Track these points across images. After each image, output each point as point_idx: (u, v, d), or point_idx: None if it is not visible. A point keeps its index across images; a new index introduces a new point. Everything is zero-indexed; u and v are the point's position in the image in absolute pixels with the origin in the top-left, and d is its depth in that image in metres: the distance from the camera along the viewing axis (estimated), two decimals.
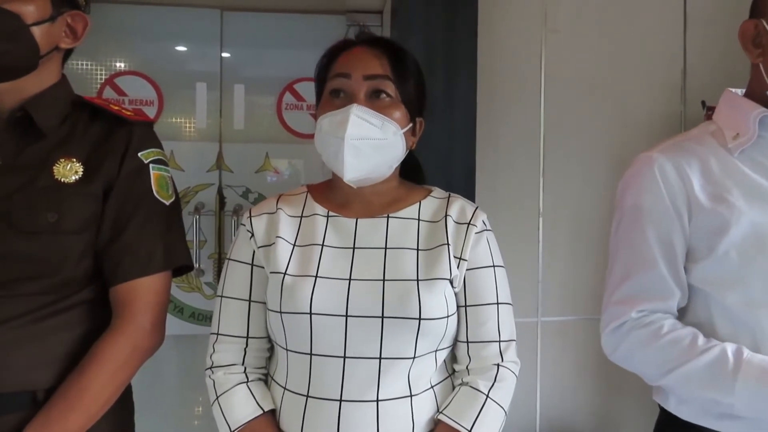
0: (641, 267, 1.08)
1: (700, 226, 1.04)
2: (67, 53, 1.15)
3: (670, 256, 1.07)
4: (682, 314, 1.10)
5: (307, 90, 2.43)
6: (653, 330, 1.05)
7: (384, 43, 1.12)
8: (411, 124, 1.11)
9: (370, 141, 1.04)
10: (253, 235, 1.10)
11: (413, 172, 1.21)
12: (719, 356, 0.99)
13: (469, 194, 1.91)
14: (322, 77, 1.13)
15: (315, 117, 1.13)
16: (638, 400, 2.28)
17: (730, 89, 1.14)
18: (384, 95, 1.06)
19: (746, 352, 0.98)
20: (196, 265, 2.34)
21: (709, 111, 2.14)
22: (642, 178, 1.09)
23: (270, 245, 1.08)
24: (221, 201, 2.39)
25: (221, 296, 1.12)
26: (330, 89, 1.08)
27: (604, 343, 1.14)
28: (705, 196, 1.04)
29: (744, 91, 1.12)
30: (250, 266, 1.10)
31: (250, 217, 1.12)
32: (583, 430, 2.32)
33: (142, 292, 1.08)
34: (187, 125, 2.42)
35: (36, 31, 1.03)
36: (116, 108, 1.14)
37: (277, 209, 1.12)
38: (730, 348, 0.99)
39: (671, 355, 1.03)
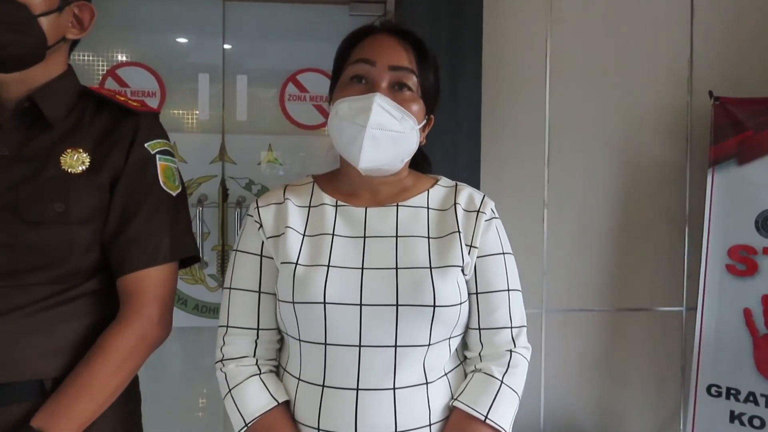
0: None
1: None
2: (74, 44, 1.14)
3: None
4: None
5: (311, 81, 2.41)
6: None
7: (408, 34, 1.10)
8: (425, 120, 1.10)
9: (389, 132, 1.03)
10: (261, 225, 1.09)
11: (420, 163, 1.20)
12: None
13: (474, 185, 1.90)
14: (341, 62, 1.11)
15: (329, 100, 1.12)
16: (642, 392, 2.29)
17: None
18: (406, 88, 1.06)
19: None
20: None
21: (716, 101, 2.12)
22: None
23: (279, 235, 1.07)
24: (224, 193, 2.38)
25: (230, 288, 1.11)
26: (351, 74, 1.06)
27: None
28: None
29: None
30: (258, 257, 1.09)
31: (258, 207, 1.12)
32: (587, 421, 2.32)
33: (149, 282, 1.08)
34: (190, 117, 2.41)
35: (43, 21, 1.03)
36: (122, 99, 1.14)
37: (284, 199, 1.11)
38: None
39: None
